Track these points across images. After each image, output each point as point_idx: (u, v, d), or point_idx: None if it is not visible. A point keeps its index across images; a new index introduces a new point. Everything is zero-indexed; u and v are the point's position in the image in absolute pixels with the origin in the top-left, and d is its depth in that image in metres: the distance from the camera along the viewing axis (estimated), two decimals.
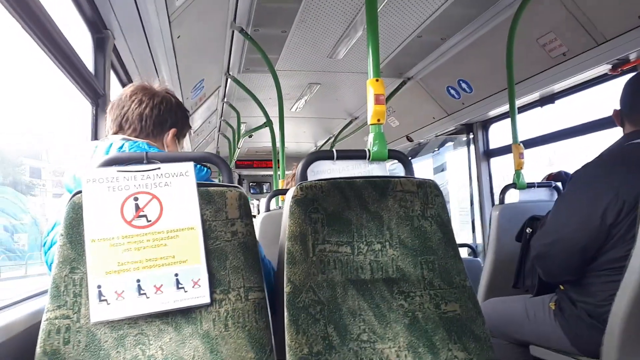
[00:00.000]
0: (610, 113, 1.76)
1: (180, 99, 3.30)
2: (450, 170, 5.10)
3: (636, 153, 1.55)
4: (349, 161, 1.31)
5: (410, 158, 1.41)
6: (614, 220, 1.48)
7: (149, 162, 1.03)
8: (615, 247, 1.51)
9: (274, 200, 3.25)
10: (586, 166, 1.63)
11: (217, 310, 0.99)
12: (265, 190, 8.25)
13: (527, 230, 1.98)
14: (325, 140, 6.72)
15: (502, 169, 3.89)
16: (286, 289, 1.08)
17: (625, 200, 1.46)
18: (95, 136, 1.87)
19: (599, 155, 1.65)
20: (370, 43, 1.37)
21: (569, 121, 3.06)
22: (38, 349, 0.91)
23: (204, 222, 1.01)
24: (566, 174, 2.48)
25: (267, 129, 4.20)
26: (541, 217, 1.91)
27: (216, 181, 1.11)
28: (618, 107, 1.71)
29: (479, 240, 4.13)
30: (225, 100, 4.68)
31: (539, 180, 2.47)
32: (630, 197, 1.45)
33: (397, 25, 2.99)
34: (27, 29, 1.38)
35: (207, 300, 0.98)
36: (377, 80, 1.32)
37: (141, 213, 0.98)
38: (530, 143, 3.25)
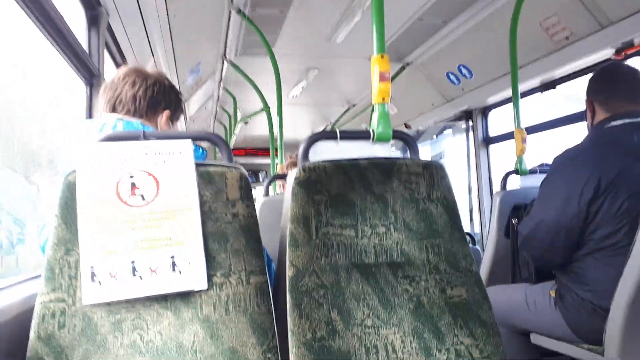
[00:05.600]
0: None
1: (177, 83, 3.28)
2: (449, 158, 5.06)
3: (614, 133, 1.60)
4: (352, 142, 1.27)
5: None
6: (592, 195, 1.51)
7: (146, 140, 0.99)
8: (602, 225, 1.52)
9: (271, 186, 3.22)
10: (565, 151, 1.67)
11: (218, 294, 0.96)
12: (261, 179, 8.23)
13: (512, 221, 2.02)
14: (323, 127, 6.68)
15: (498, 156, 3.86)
16: (289, 273, 1.05)
17: (601, 175, 1.50)
18: (89, 116, 1.83)
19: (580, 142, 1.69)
20: (374, 17, 1.31)
21: (568, 108, 3.03)
22: (32, 334, 0.88)
23: (203, 203, 0.98)
24: None
25: (264, 116, 4.14)
26: (523, 205, 1.96)
27: None
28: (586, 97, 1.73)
29: (477, 229, 4.12)
30: (221, 85, 4.61)
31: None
32: (608, 172, 1.49)
33: (398, 7, 2.93)
34: (22, 3, 1.33)
35: (204, 284, 0.95)
36: (382, 57, 1.27)
37: (137, 191, 0.94)
38: (530, 130, 3.21)
